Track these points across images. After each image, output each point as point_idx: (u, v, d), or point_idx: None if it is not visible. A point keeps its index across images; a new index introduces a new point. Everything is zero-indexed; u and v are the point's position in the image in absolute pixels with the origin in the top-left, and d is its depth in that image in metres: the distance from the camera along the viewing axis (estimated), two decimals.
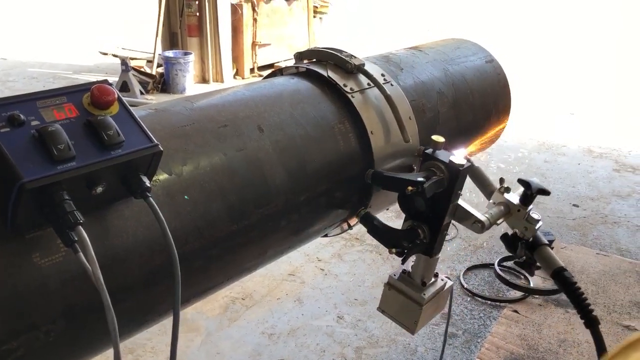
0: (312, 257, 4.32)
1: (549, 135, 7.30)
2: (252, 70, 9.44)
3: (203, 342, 3.38)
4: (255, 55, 9.47)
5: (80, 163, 0.95)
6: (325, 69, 1.69)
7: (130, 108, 1.08)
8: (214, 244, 1.28)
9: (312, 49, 1.79)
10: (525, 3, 20.43)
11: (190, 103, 1.40)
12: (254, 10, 9.24)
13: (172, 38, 8.95)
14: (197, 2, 8.53)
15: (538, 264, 1.80)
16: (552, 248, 1.79)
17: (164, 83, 8.39)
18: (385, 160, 1.65)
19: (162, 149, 1.05)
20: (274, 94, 1.57)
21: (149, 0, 11.63)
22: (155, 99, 7.88)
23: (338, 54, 1.72)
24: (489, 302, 3.84)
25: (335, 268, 4.22)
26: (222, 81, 8.89)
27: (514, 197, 1.78)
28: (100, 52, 10.52)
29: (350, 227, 1.80)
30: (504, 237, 1.84)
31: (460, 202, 1.65)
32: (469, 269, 4.24)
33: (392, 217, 4.90)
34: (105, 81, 1.07)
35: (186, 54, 8.43)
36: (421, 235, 1.62)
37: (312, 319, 3.62)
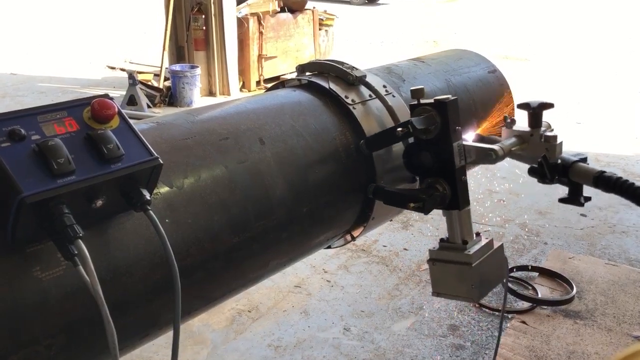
0: (319, 269, 4.31)
1: None
2: (258, 82, 9.49)
3: (209, 355, 3.38)
4: (262, 68, 9.52)
5: (80, 177, 0.96)
6: (327, 81, 1.70)
7: (131, 122, 1.08)
8: (216, 257, 1.28)
9: (314, 62, 1.80)
10: (532, 11, 20.45)
11: (192, 116, 1.41)
12: (260, 23, 9.30)
13: (179, 52, 9.02)
14: (203, 16, 8.60)
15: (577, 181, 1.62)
16: (587, 164, 1.63)
17: (171, 96, 8.44)
18: (387, 171, 1.65)
19: (162, 162, 1.06)
20: (275, 106, 1.57)
21: (156, 15, 11.75)
22: (163, 112, 7.93)
23: (339, 66, 1.73)
24: (497, 313, 3.81)
25: (342, 279, 4.21)
26: (228, 94, 8.93)
27: (522, 126, 1.70)
28: (108, 67, 10.63)
29: (353, 238, 1.80)
30: (532, 170, 1.66)
31: (466, 142, 1.59)
32: None
33: (399, 228, 4.89)
34: (106, 95, 1.08)
35: (193, 67, 8.49)
36: (440, 189, 1.54)
37: (318, 331, 3.61)
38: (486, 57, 2.29)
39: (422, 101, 1.53)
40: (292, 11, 10.04)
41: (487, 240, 1.63)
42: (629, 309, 3.69)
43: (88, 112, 1.04)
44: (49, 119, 1.00)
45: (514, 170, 5.98)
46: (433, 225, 4.97)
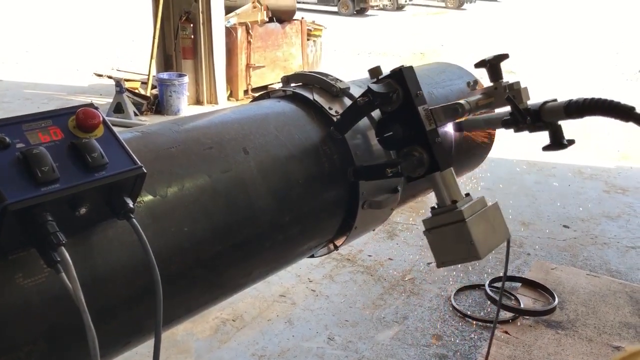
0: (304, 278, 4.32)
1: (539, 157, 7.36)
2: (246, 92, 9.52)
3: None
4: (250, 77, 9.56)
5: (64, 185, 0.97)
6: (311, 92, 1.72)
7: (115, 131, 1.10)
8: (199, 264, 1.30)
9: (299, 73, 1.83)
10: (519, 25, 20.71)
11: (177, 125, 1.43)
12: (248, 33, 9.35)
13: (167, 60, 9.02)
14: (192, 25, 8.63)
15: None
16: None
17: (158, 104, 8.44)
18: (369, 182, 1.68)
19: (145, 171, 1.07)
20: (260, 117, 1.59)
21: (144, 23, 11.75)
22: (150, 121, 7.92)
23: (324, 78, 1.75)
24: (480, 323, 3.84)
25: (327, 289, 4.22)
26: (216, 103, 8.94)
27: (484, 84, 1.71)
28: (95, 74, 10.60)
29: (336, 247, 1.82)
30: (505, 122, 1.64)
31: (432, 106, 1.61)
32: (460, 289, 4.25)
33: (384, 237, 4.92)
34: (91, 104, 1.09)
35: (180, 76, 8.49)
36: (416, 154, 1.54)
37: (302, 341, 3.61)
38: (469, 71, 2.32)
39: (380, 77, 1.58)
40: (281, 21, 10.10)
41: (478, 198, 1.61)
42: (609, 319, 3.74)
43: (73, 121, 1.05)
44: (33, 128, 1.01)
45: (498, 182, 6.04)
46: (418, 235, 5.00)
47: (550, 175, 6.66)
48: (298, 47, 10.49)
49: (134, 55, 12.50)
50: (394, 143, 1.60)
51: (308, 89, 1.75)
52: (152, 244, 1.09)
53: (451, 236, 1.53)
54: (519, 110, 1.59)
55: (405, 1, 28.40)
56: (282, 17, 10.15)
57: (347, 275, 4.41)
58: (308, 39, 10.85)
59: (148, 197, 1.21)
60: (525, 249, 4.89)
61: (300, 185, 1.53)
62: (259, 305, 3.97)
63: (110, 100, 8.09)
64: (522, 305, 3.92)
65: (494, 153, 2.52)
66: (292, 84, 1.83)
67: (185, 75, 8.53)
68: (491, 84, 1.72)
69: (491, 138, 2.49)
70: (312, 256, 1.84)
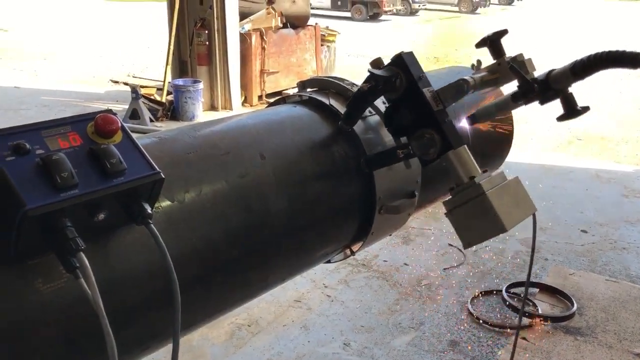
0: (319, 283, 4.31)
1: (555, 161, 7.29)
2: (260, 97, 9.55)
3: None
4: (264, 83, 9.59)
5: (83, 190, 0.97)
6: (327, 97, 1.72)
7: (134, 136, 1.10)
8: (216, 270, 1.30)
9: (314, 78, 1.83)
10: (535, 29, 20.57)
11: (194, 131, 1.43)
12: (262, 39, 9.39)
13: (182, 66, 9.09)
14: (206, 32, 8.69)
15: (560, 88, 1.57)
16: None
17: (173, 110, 8.49)
18: (387, 186, 1.67)
19: (163, 177, 1.07)
20: (276, 122, 1.60)
21: (159, 30, 11.85)
22: (165, 126, 7.98)
23: (340, 83, 1.75)
24: (497, 329, 3.80)
25: (342, 294, 4.20)
26: (230, 109, 8.99)
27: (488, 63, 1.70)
28: (112, 81, 10.71)
29: (352, 253, 1.81)
30: (514, 96, 1.63)
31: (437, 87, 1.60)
32: (477, 295, 4.20)
33: (399, 242, 4.90)
34: (109, 110, 1.10)
35: (195, 82, 8.55)
36: (427, 135, 1.52)
37: (318, 346, 3.60)
38: None
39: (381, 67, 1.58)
40: (295, 27, 10.14)
41: (497, 172, 1.58)
42: (629, 325, 3.69)
43: (92, 127, 1.06)
44: (53, 134, 1.02)
45: None
46: (434, 240, 4.98)
47: (567, 180, 6.59)
48: (312, 53, 10.52)
49: (149, 62, 12.62)
50: (404, 129, 1.58)
51: (324, 93, 1.75)
52: (170, 249, 1.09)
53: (473, 212, 1.48)
54: (525, 79, 1.57)
55: (419, 6, 28.40)
56: (296, 22, 10.18)
57: (362, 280, 4.40)
58: (322, 45, 10.88)
59: (165, 203, 1.21)
60: (542, 254, 4.83)
61: (317, 190, 1.53)
62: (275, 311, 3.96)
63: (126, 106, 8.16)
64: (540, 311, 3.87)
65: (509, 157, 2.50)
66: (308, 89, 1.83)
67: (200, 81, 8.58)
68: (493, 61, 1.68)
69: (509, 134, 2.47)
70: (329, 261, 1.83)
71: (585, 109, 1.61)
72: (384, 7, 25.19)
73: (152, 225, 1.06)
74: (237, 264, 1.34)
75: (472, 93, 2.24)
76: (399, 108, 1.57)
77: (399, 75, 1.54)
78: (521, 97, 1.61)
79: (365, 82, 1.57)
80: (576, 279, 4.31)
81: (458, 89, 1.57)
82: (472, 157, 1.55)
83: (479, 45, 1.71)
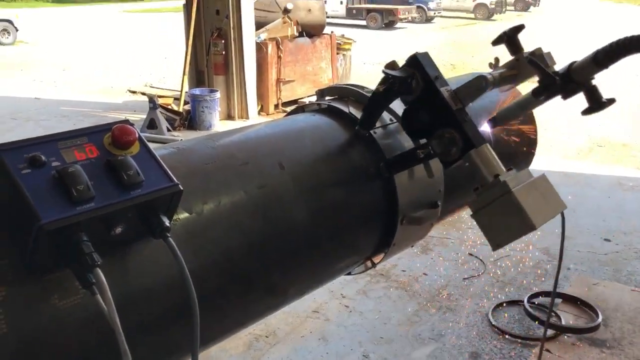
0: (337, 294, 4.26)
1: (576, 168, 7.18)
2: (276, 106, 9.56)
3: None
4: (280, 91, 9.60)
5: (100, 204, 0.95)
6: (346, 105, 1.68)
7: (151, 147, 1.08)
8: (235, 283, 1.26)
9: (333, 86, 1.79)
10: (553, 34, 20.40)
11: (212, 141, 1.40)
12: (278, 48, 9.41)
13: (199, 76, 9.14)
14: (223, 41, 8.73)
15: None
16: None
17: (190, 120, 8.53)
18: (408, 196, 1.62)
19: (181, 189, 1.05)
20: (295, 131, 1.56)
21: (177, 40, 11.94)
22: (182, 136, 8.01)
23: (359, 90, 1.72)
24: (520, 340, 3.72)
25: (361, 305, 4.15)
26: (247, 118, 9.00)
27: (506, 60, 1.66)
28: (129, 91, 10.80)
29: (374, 265, 1.77)
30: (535, 91, 1.58)
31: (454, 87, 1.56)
32: (498, 305, 4.12)
33: (418, 252, 4.83)
34: (126, 121, 1.07)
35: (212, 91, 8.58)
36: (447, 135, 1.47)
37: (336, 358, 3.55)
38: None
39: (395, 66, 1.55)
40: (310, 36, 10.15)
41: (523, 170, 1.52)
42: None
43: (109, 138, 1.04)
44: (69, 145, 1.00)
45: None
46: (453, 249, 4.91)
47: (588, 187, 6.48)
48: (328, 61, 10.52)
49: (166, 72, 12.73)
50: (423, 131, 1.53)
51: (343, 101, 1.71)
52: (188, 263, 1.06)
53: (500, 212, 1.42)
54: (545, 72, 1.52)
55: (434, 13, 28.34)
56: (311, 31, 10.20)
57: (381, 290, 4.34)
58: (338, 53, 10.88)
59: (184, 215, 1.18)
60: (565, 263, 4.73)
61: (337, 201, 1.49)
62: (292, 321, 3.92)
63: (144, 116, 8.21)
64: (563, 322, 3.78)
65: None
66: (327, 97, 1.80)
67: (217, 90, 8.61)
68: (511, 58, 1.64)
69: (533, 136, 2.41)
70: (349, 273, 1.79)
71: (611, 100, 1.55)
72: (399, 15, 25.19)
73: (170, 238, 1.03)
74: (257, 275, 1.31)
75: (491, 91, 2.21)
76: (416, 110, 1.53)
77: (414, 76, 1.50)
78: (543, 92, 1.56)
79: (380, 83, 1.54)
80: (600, 289, 4.21)
81: (477, 86, 1.53)
82: (495, 156, 1.50)
83: (495, 42, 1.67)
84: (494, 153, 1.50)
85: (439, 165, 1.71)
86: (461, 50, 17.65)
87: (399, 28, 25.51)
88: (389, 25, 25.33)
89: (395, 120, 1.67)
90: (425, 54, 1.53)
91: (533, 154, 2.49)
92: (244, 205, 1.28)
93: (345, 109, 1.66)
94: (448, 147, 1.48)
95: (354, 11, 26.01)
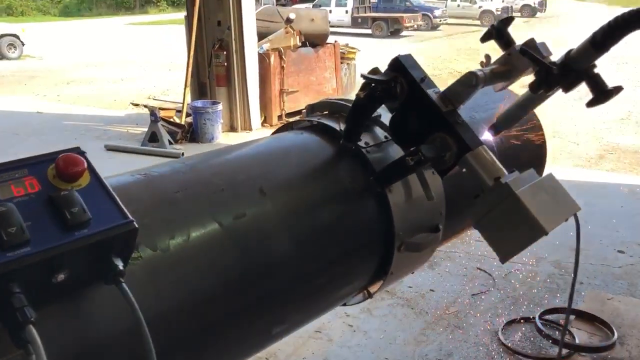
0: (340, 312, 4.09)
1: (588, 176, 6.99)
2: (280, 117, 9.44)
3: None
4: (283, 102, 9.48)
5: (36, 248, 0.81)
6: (337, 121, 1.55)
7: (103, 178, 0.94)
8: (208, 326, 1.13)
9: (325, 101, 1.66)
10: (562, 40, 20.22)
11: (185, 165, 1.27)
12: (281, 58, 9.30)
13: (201, 88, 9.05)
14: (225, 53, 8.63)
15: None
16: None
17: (192, 132, 8.42)
18: (406, 220, 1.48)
19: (136, 226, 0.91)
20: (280, 152, 1.43)
21: (180, 52, 11.90)
22: (184, 149, 7.90)
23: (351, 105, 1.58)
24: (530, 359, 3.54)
25: (365, 324, 3.99)
26: (250, 129, 8.89)
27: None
28: (132, 104, 10.72)
29: (370, 295, 1.62)
30: (533, 85, 1.46)
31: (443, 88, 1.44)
32: (508, 323, 3.95)
33: (425, 267, 4.67)
34: (76, 149, 0.94)
35: (214, 103, 8.47)
36: (438, 139, 1.36)
37: None
38: (514, 92, 2.12)
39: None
40: (314, 45, 10.05)
41: (527, 171, 1.39)
42: None
43: (53, 169, 0.90)
44: (5, 179, 0.87)
45: None
46: (461, 264, 4.74)
47: (600, 196, 6.29)
48: (332, 71, 10.40)
49: (170, 85, 12.67)
50: (413, 138, 1.40)
51: (335, 118, 1.58)
52: (149, 309, 0.93)
53: (505, 218, 1.28)
54: (541, 62, 1.39)
55: (440, 20, 28.25)
56: (315, 41, 10.10)
57: (386, 308, 4.17)
58: (342, 62, 10.76)
59: (147, 252, 1.04)
60: (577, 277, 4.56)
61: (327, 229, 1.35)
62: (294, 342, 3.76)
63: (146, 129, 8.11)
64: (577, 341, 3.60)
65: None
66: (318, 113, 1.67)
67: (219, 102, 8.50)
68: (503, 52, 1.51)
69: (541, 142, 2.27)
70: (345, 304, 1.65)
71: (618, 89, 1.41)
72: (404, 23, 25.11)
73: (123, 284, 0.89)
74: (233, 319, 1.17)
75: (494, 102, 2.06)
76: (404, 116, 1.41)
77: (398, 80, 1.38)
78: (540, 85, 1.43)
79: (361, 90, 1.41)
80: (615, 304, 4.03)
81: (467, 83, 1.40)
82: (494, 157, 1.37)
83: (484, 38, 1.54)
84: (492, 154, 1.36)
85: (439, 186, 1.57)
86: (468, 58, 17.50)
87: (405, 36, 25.41)
88: (395, 33, 25.24)
89: (390, 138, 1.53)
90: (409, 56, 1.42)
91: (544, 163, 2.35)
92: (218, 239, 1.14)
93: (336, 126, 1.53)
94: (441, 153, 1.35)
95: (360, 20, 25.95)
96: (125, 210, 0.91)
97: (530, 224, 1.24)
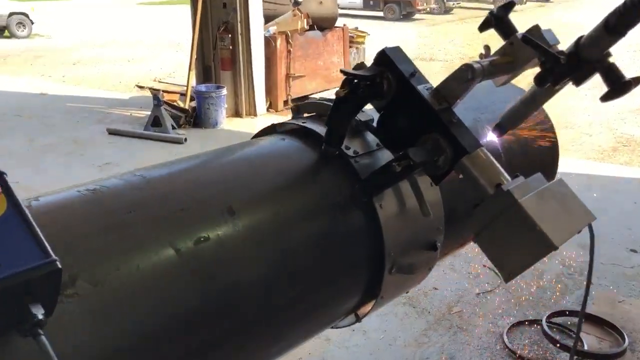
0: None
1: (601, 170, 6.78)
2: (285, 102, 9.25)
3: None
4: (289, 87, 9.28)
5: None
6: (324, 125, 1.38)
7: (24, 207, 0.78)
8: None
9: (312, 102, 1.49)
10: (575, 25, 19.79)
11: (142, 178, 1.11)
12: (288, 42, 9.09)
13: (205, 71, 8.86)
14: (230, 36, 8.42)
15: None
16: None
17: (196, 117, 8.26)
18: (398, 239, 1.32)
19: (60, 267, 0.75)
20: (256, 162, 1.27)
21: (188, 33, 11.72)
22: (187, 134, 7.75)
23: None
24: None
25: (364, 323, 3.81)
26: (255, 115, 8.71)
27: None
28: (137, 86, 10.57)
29: (358, 319, 1.47)
30: (538, 78, 1.30)
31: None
32: (514, 325, 3.80)
33: None
34: None
35: (219, 87, 8.29)
36: (430, 140, 1.22)
37: None
38: (522, 89, 1.94)
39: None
40: (322, 29, 9.81)
41: (533, 175, 1.23)
42: None
43: None
44: None
45: None
46: (466, 261, 4.58)
47: (613, 191, 6.09)
48: (340, 55, 10.17)
49: (176, 66, 12.49)
50: (403, 140, 1.25)
51: (321, 121, 1.40)
52: (93, 354, 0.77)
53: (508, 231, 1.14)
54: (546, 51, 1.23)
55: (453, 4, 27.77)
56: (323, 24, 9.85)
57: (386, 307, 4.02)
58: (351, 46, 10.52)
59: (85, 287, 0.89)
60: (586, 277, 4.39)
61: (308, 252, 1.18)
62: None
63: (149, 113, 7.96)
64: (585, 346, 3.45)
65: None
66: (305, 114, 1.50)
67: (224, 87, 8.32)
68: (503, 43, 1.37)
69: (552, 143, 2.10)
70: (333, 327, 1.50)
71: (637, 80, 1.25)
72: (417, 6, 24.67)
73: (42, 337, 0.74)
74: (196, 358, 1.01)
75: (501, 102, 1.89)
76: (393, 116, 1.26)
77: (385, 75, 1.23)
78: (547, 78, 1.27)
79: (341, 87, 1.24)
80: (626, 307, 3.87)
81: (461, 77, 1.23)
82: (494, 161, 1.21)
83: (482, 27, 1.40)
84: (492, 158, 1.21)
85: (437, 199, 1.40)
86: (481, 43, 17.14)
87: (417, 19, 24.99)
88: (407, 16, 24.81)
89: (382, 146, 1.36)
90: (397, 48, 1.26)
91: (556, 166, 2.18)
92: (175, 268, 0.99)
93: (321, 130, 1.35)
94: (432, 156, 1.20)
95: (372, 2, 25.51)
96: (47, 247, 0.76)
97: (536, 238, 1.10)
